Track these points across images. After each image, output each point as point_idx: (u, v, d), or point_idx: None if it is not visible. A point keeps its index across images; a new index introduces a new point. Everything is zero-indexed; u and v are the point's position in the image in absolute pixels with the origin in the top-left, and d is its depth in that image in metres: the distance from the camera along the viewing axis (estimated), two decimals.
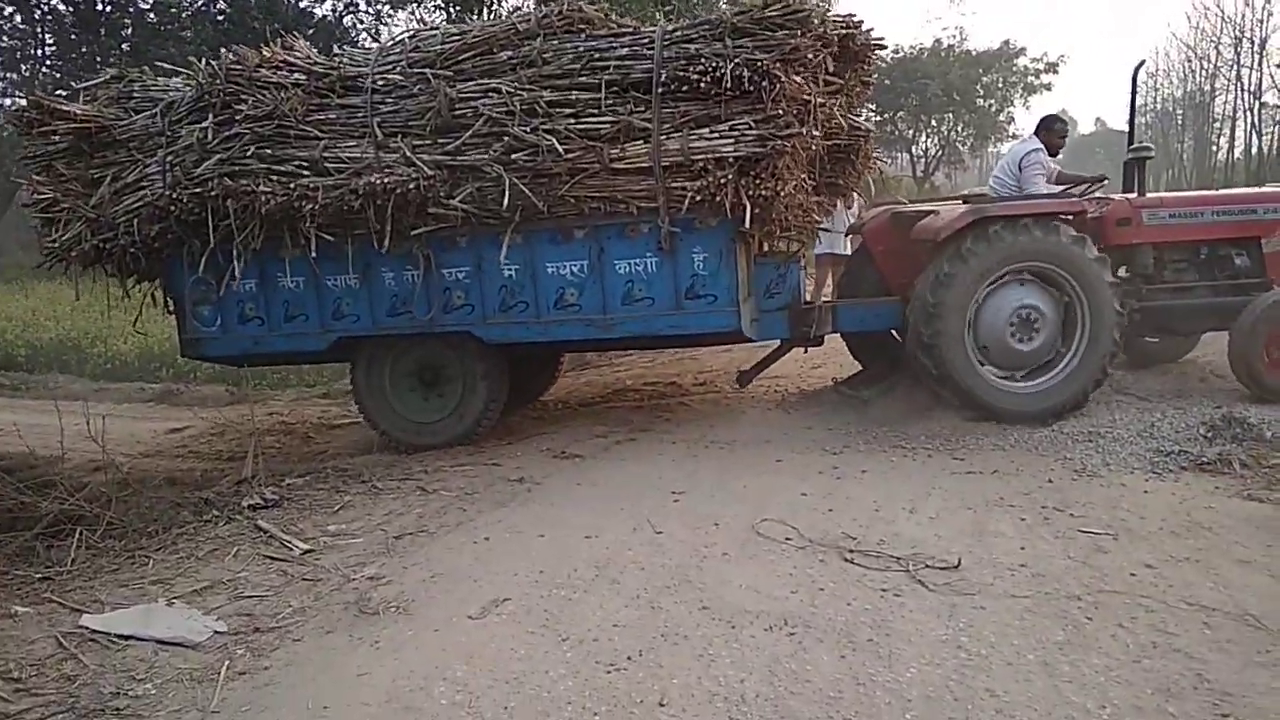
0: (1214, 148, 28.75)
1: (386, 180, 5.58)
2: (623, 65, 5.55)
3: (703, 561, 3.93)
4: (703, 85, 5.33)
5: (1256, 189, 7.50)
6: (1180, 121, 31.65)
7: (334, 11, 19.35)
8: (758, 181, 5.36)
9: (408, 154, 5.65)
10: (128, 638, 3.50)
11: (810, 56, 5.37)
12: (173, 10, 18.22)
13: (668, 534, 4.27)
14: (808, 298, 7.14)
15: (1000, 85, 26.85)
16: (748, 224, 5.41)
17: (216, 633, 3.53)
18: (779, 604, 3.48)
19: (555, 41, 5.66)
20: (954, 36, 26.86)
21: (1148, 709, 2.68)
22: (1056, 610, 3.34)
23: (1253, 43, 24.76)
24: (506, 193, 5.51)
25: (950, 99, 26.08)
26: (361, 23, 19.59)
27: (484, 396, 6.34)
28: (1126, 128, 7.07)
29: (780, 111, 5.28)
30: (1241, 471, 4.72)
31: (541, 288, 5.94)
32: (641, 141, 5.53)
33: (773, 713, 2.76)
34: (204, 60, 6.20)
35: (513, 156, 5.56)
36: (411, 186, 5.57)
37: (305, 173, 5.75)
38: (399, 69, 5.86)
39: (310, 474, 5.68)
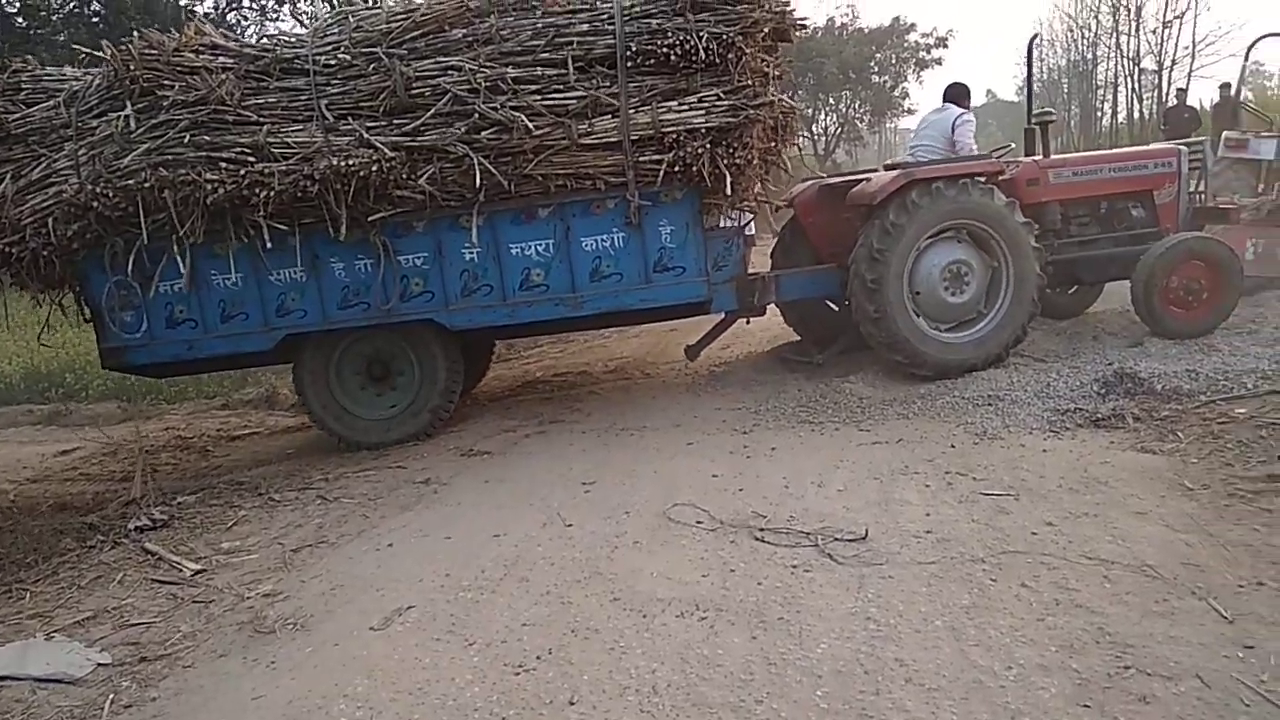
0: (1098, 114, 29.90)
1: (348, 163, 5.38)
2: (585, 40, 5.55)
3: (614, 552, 3.86)
4: (671, 58, 5.42)
5: (1147, 146, 7.84)
6: (1066, 90, 32.77)
7: (216, 8, 18.60)
8: (731, 151, 5.49)
9: (364, 135, 5.48)
10: (2, 679, 3.27)
11: (765, 30, 5.55)
12: (42, 14, 17.25)
13: (578, 526, 4.19)
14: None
15: (893, 61, 27.36)
16: (729, 193, 5.56)
17: (100, 665, 3.32)
18: (691, 589, 3.44)
19: (511, 18, 5.60)
20: (846, 15, 27.32)
21: (1052, 666, 2.71)
22: (962, 574, 3.37)
23: (1129, 10, 25.82)
24: (476, 173, 5.42)
25: (846, 77, 26.47)
26: (245, 19, 18.88)
27: (443, 387, 6.16)
28: (1018, 98, 7.49)
29: (749, 82, 5.47)
30: (1134, 425, 4.85)
31: (506, 269, 5.87)
32: (610, 116, 5.57)
33: (684, 701, 2.71)
34: (114, 46, 5.76)
35: (478, 135, 5.47)
36: (373, 169, 5.39)
37: (251, 159, 5.48)
38: (343, 49, 5.66)
39: (203, 490, 5.42)
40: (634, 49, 5.50)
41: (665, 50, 5.43)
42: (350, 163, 5.39)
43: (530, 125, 5.45)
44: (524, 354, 8.88)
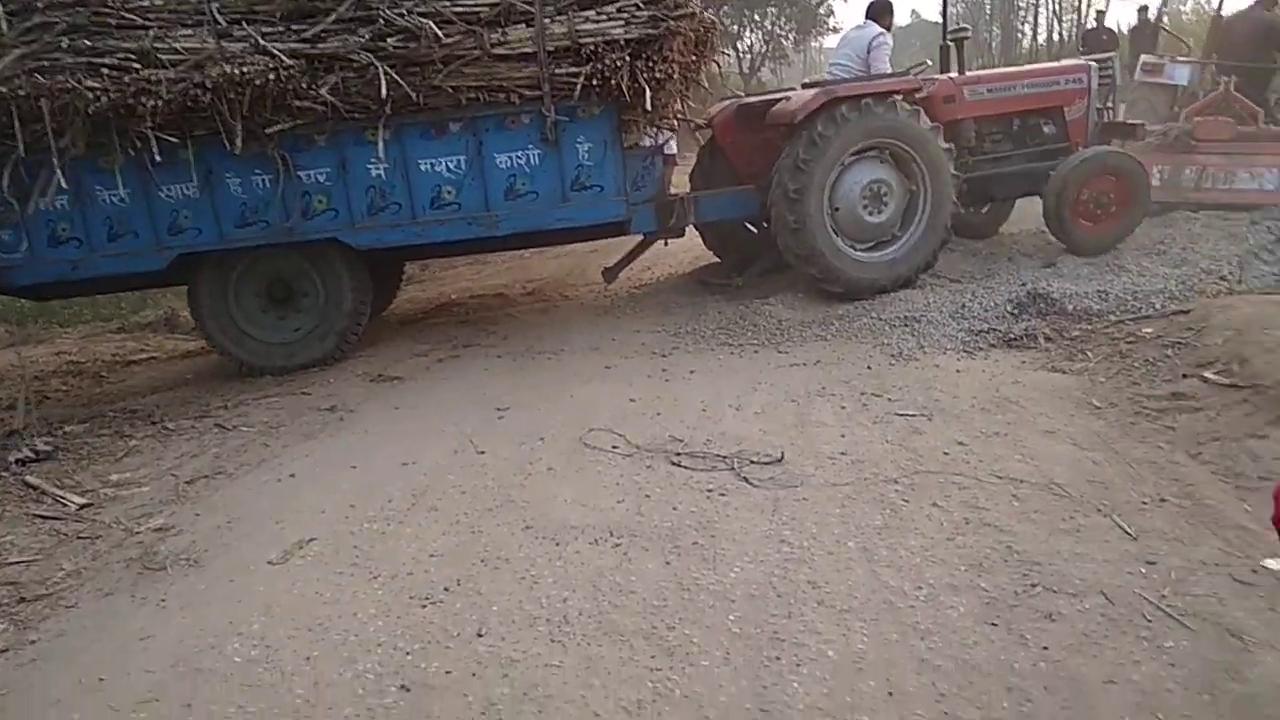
0: (1019, 35, 30.08)
1: (242, 70, 5.00)
2: None
3: (527, 479, 3.76)
4: None
5: (1059, 63, 7.87)
6: (989, 11, 32.84)
7: None
8: (651, 65, 5.29)
9: (260, 41, 5.09)
10: None
11: None
12: None
13: (491, 453, 4.07)
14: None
15: None
16: (648, 109, 5.36)
17: None
18: (604, 516, 3.36)
19: None
20: None
21: (961, 586, 2.72)
22: (875, 495, 3.37)
23: None
24: (382, 83, 5.11)
25: None
26: None
27: (350, 309, 5.89)
28: (940, 19, 7.23)
29: None
30: (1046, 345, 4.92)
31: (415, 186, 5.61)
32: (524, 25, 5.30)
33: (596, 629, 2.65)
34: None
35: (383, 43, 5.15)
36: (271, 77, 5.02)
37: (136, 66, 5.04)
38: None
39: (93, 419, 5.11)
40: None
41: None
42: (245, 70, 5.01)
43: (439, 33, 5.15)
44: (439, 275, 8.60)
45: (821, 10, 27.86)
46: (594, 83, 5.34)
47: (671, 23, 5.33)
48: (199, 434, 4.73)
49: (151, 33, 5.10)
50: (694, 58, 5.85)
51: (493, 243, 6.27)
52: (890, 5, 6.89)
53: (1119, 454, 3.54)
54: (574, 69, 5.36)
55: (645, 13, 5.32)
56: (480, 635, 2.66)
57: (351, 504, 3.64)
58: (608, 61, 5.27)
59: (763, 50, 29.31)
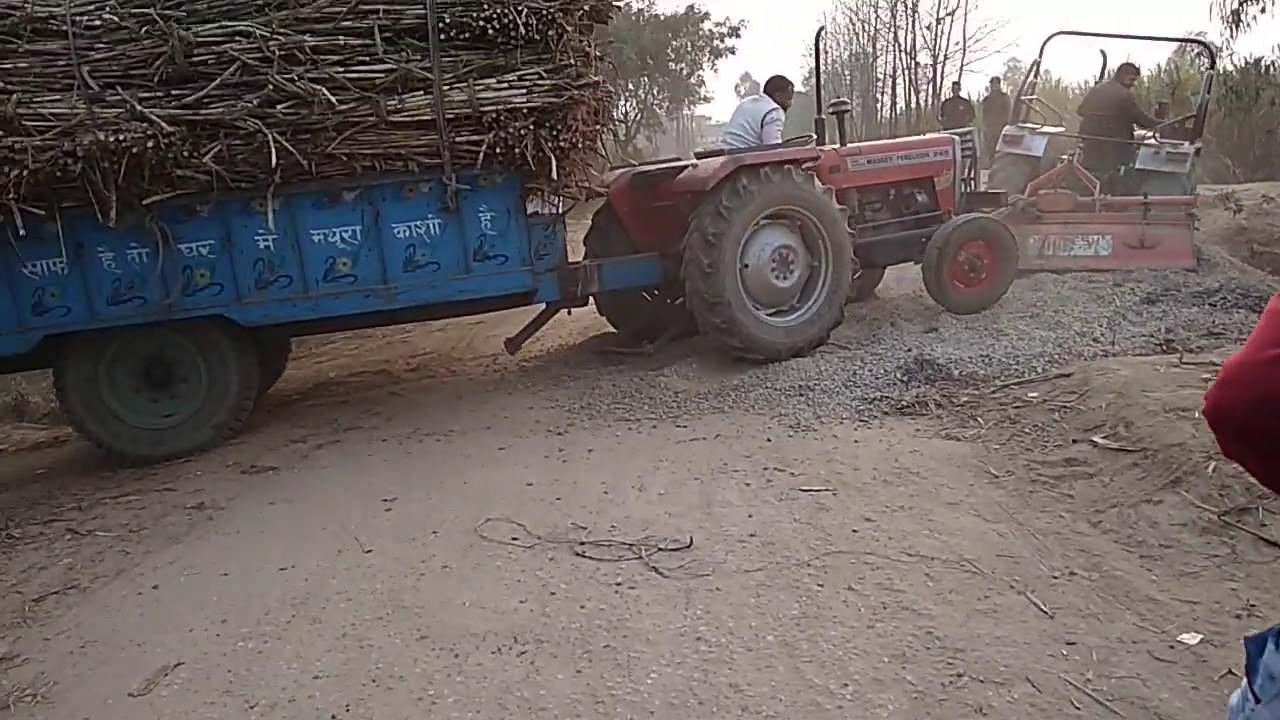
0: (879, 104, 31.64)
1: (117, 138, 4.67)
2: (392, 10, 5.14)
3: (420, 580, 3.49)
4: (489, 32, 5.12)
5: (927, 135, 8.33)
6: (849, 81, 34.49)
7: None
8: (555, 133, 5.26)
9: (136, 107, 4.78)
10: None
11: (585, 7, 5.36)
12: None
13: (379, 551, 3.78)
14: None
15: (689, 49, 27.76)
16: (555, 177, 5.33)
17: None
18: (507, 619, 3.14)
19: None
20: (643, 1, 27.38)
21: (887, 680, 2.61)
22: (789, 580, 3.26)
23: (906, 5, 27.40)
24: (272, 151, 4.89)
25: (645, 63, 26.59)
26: None
27: (236, 390, 5.53)
28: (805, 88, 7.51)
29: (571, 61, 5.25)
30: (937, 412, 4.97)
31: (308, 258, 5.38)
32: (422, 92, 5.18)
33: None
34: None
35: (272, 109, 4.92)
36: (149, 145, 4.73)
37: None
38: (109, 8, 4.92)
39: None
40: (447, 21, 5.16)
41: (482, 24, 5.14)
42: (121, 137, 4.72)
43: (333, 99, 4.98)
44: (315, 352, 8.19)
45: (693, 80, 28.70)
46: (497, 151, 5.28)
47: (575, 92, 5.33)
48: (49, 541, 4.26)
49: (15, 97, 4.75)
50: (596, 126, 5.84)
51: (393, 315, 6.05)
52: (788, 82, 7.14)
53: (1023, 525, 3.55)
54: (475, 137, 5.30)
55: (548, 82, 5.31)
56: None
57: (223, 619, 3.29)
58: (511, 130, 5.23)
59: (637, 118, 29.92)
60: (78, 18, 4.91)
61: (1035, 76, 10.28)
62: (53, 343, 5.24)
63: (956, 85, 15.80)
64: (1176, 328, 5.96)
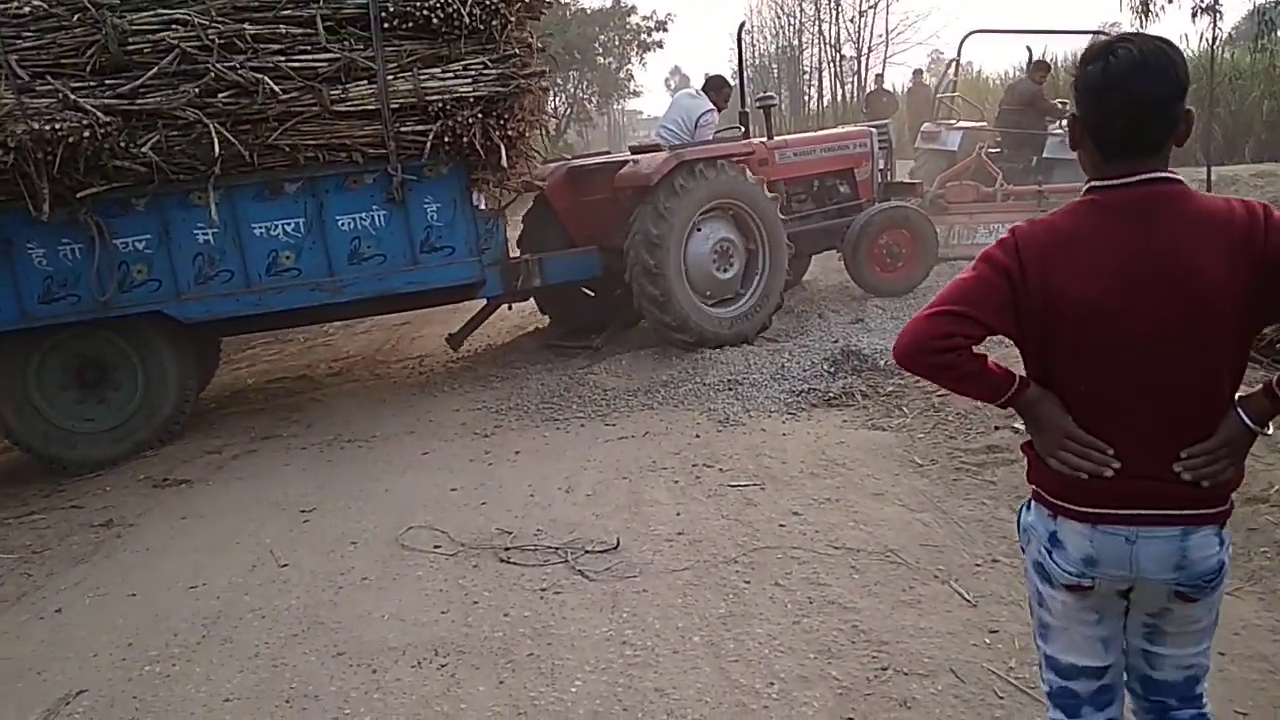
0: (806, 97, 31.96)
1: (54, 127, 4.48)
2: None
3: (338, 594, 3.37)
4: (433, 22, 5.10)
5: (847, 128, 8.47)
6: (776, 74, 34.77)
7: None
8: (503, 122, 5.23)
9: (69, 96, 4.59)
10: None
11: (523, 1, 5.34)
12: None
13: (295, 565, 3.64)
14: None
15: (617, 43, 27.67)
16: (505, 166, 5.35)
17: None
18: (428, 631, 3.04)
19: None
20: None
21: (812, 676, 2.59)
22: (716, 579, 3.22)
23: None
24: (214, 141, 4.79)
25: (573, 57, 26.42)
26: None
27: (176, 388, 5.40)
28: (734, 82, 7.58)
29: (515, 51, 5.24)
30: (863, 402, 5.00)
31: (250, 252, 5.29)
32: (366, 82, 5.10)
33: None
34: None
35: (213, 99, 4.81)
36: (85, 135, 4.54)
37: None
38: None
39: None
40: (390, 10, 5.10)
41: (425, 13, 5.09)
42: (56, 126, 4.51)
43: (276, 88, 4.88)
44: (233, 358, 7.89)
45: (622, 75, 28.63)
46: (446, 140, 5.24)
47: (521, 80, 5.32)
48: None
49: None
50: (539, 117, 5.85)
51: (338, 309, 5.94)
52: (725, 82, 7.27)
53: (946, 513, 3.57)
54: (421, 127, 5.27)
55: (494, 71, 5.29)
56: None
57: (129, 642, 3.13)
58: (459, 119, 5.20)
59: (567, 113, 29.76)
60: (3, 5, 4.73)
61: (955, 74, 10.51)
62: None
63: (879, 77, 16.05)
64: None
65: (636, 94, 28.72)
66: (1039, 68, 10.42)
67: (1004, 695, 2.42)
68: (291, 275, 5.36)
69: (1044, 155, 9.46)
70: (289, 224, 5.33)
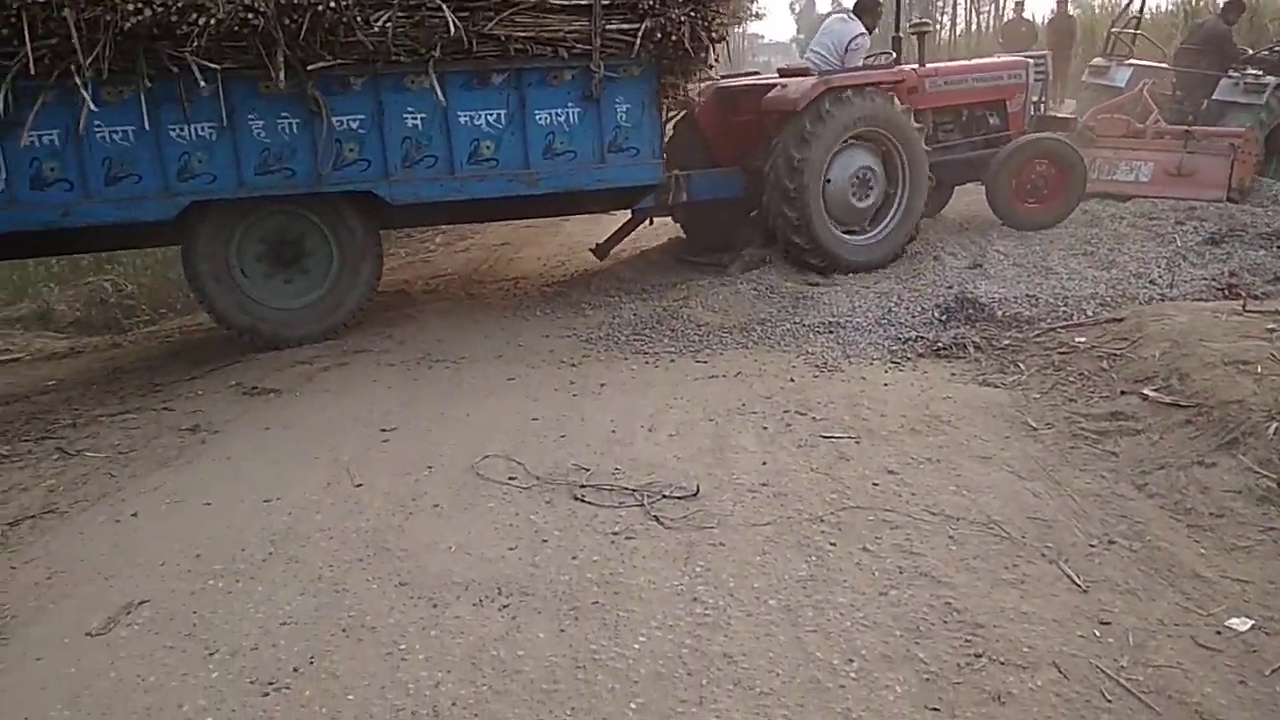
0: (939, 26, 30.25)
1: None
2: None
3: (407, 519, 3.29)
4: None
5: (1004, 57, 8.08)
6: (908, 2, 33.00)
7: None
8: (709, 22, 5.37)
9: None
10: None
11: None
12: None
13: (369, 486, 3.58)
14: None
15: None
16: (711, 64, 5.45)
17: None
18: (493, 568, 2.93)
19: None
20: None
21: (897, 657, 2.37)
22: (799, 538, 3.00)
23: None
24: (450, 21, 4.94)
25: None
26: None
27: (367, 276, 5.64)
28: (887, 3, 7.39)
29: None
30: (976, 355, 4.64)
31: (455, 139, 5.41)
32: None
33: None
34: None
35: None
36: (331, 5, 4.66)
37: None
38: None
39: None
40: None
41: None
42: None
43: None
44: None
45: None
46: (655, 38, 5.25)
47: None
48: (36, 460, 4.12)
49: None
50: (738, 17, 5.96)
51: (529, 203, 6.00)
52: (878, 3, 7.00)
53: (1060, 484, 3.26)
54: (625, 25, 5.32)
55: None
56: None
57: (197, 554, 3.12)
58: (670, 16, 5.25)
59: None
60: None
61: (1140, 9, 9.87)
62: (194, 212, 5.17)
63: (1020, 5, 14.83)
64: (1241, 271, 5.54)
65: (759, 17, 27.64)
66: (1233, 7, 9.47)
67: (1112, 699, 2.16)
68: (490, 165, 5.48)
69: (1214, 98, 8.67)
70: (492, 114, 5.43)
